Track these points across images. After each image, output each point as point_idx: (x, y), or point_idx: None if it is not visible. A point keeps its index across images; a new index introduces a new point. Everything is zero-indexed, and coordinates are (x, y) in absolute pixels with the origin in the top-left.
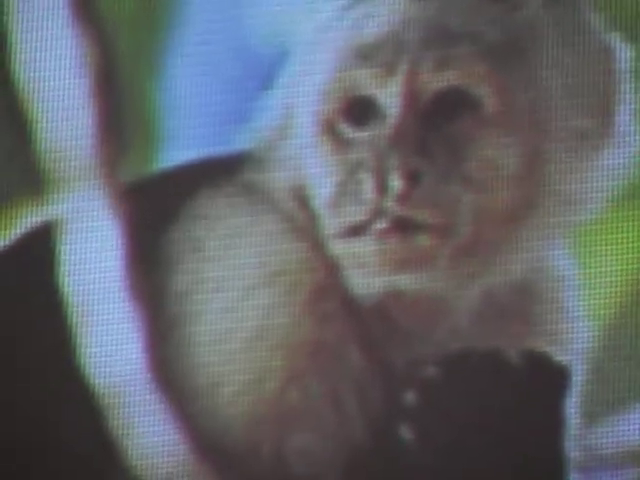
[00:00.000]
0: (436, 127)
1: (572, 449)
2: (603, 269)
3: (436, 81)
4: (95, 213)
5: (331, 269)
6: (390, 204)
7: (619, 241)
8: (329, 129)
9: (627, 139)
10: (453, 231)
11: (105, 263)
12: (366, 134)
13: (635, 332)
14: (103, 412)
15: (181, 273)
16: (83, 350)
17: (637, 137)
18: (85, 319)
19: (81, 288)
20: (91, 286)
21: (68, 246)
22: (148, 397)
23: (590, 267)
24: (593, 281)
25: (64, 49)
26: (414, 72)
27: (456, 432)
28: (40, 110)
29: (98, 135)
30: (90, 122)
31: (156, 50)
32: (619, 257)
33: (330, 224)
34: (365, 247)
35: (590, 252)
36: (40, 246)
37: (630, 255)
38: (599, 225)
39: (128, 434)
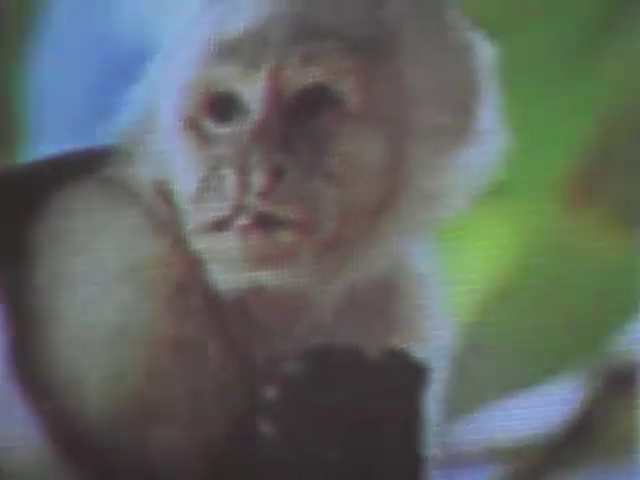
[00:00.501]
0: (300, 123)
1: (432, 446)
2: (463, 267)
3: (300, 77)
4: None
5: (193, 264)
6: (252, 200)
7: (479, 239)
8: (193, 124)
9: (488, 137)
10: (315, 227)
11: None
12: (229, 130)
13: (496, 330)
14: None
15: (42, 267)
16: None
17: (498, 135)
18: None
19: None
20: None
21: None
22: (8, 389)
23: (451, 264)
24: (454, 278)
25: None
26: (278, 68)
27: (316, 428)
28: None
29: None
30: None
31: (20, 43)
32: (478, 255)
33: (193, 219)
34: (227, 243)
35: (451, 249)
36: None
37: (489, 253)
38: (459, 222)
39: None
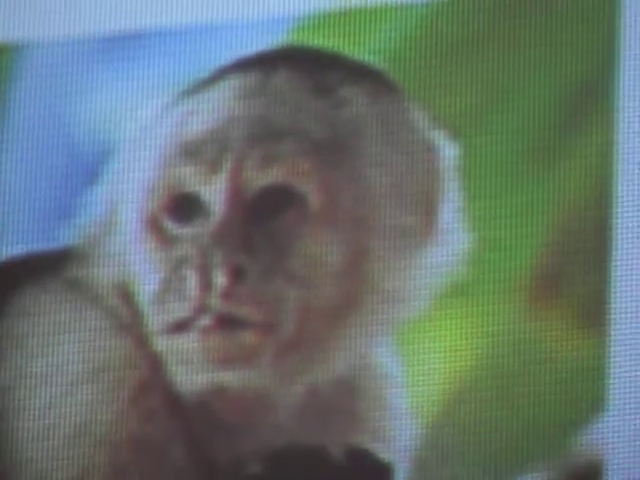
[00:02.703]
0: (261, 223)
1: None
2: (426, 367)
3: (261, 178)
4: None
5: (155, 365)
6: (214, 301)
7: (441, 339)
8: (153, 225)
9: (450, 237)
10: (277, 328)
11: None
12: (190, 230)
13: (457, 430)
14: None
15: (4, 369)
16: None
17: (460, 235)
18: None
19: None
20: None
21: None
22: None
23: (413, 364)
24: (416, 379)
25: None
26: (238, 169)
27: None
28: None
29: None
30: None
31: None
32: (441, 355)
33: (154, 320)
34: (189, 343)
35: (413, 350)
36: None
37: (452, 353)
38: (422, 323)
39: None
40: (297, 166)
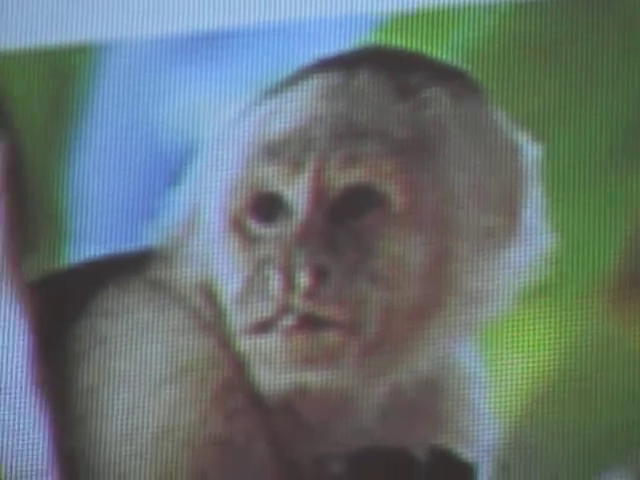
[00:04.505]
0: (344, 224)
1: None
2: (508, 367)
3: (343, 178)
4: (2, 308)
5: (238, 365)
6: (297, 301)
7: (524, 339)
8: (236, 225)
9: (533, 237)
10: (360, 328)
11: (11, 358)
12: (273, 230)
13: (539, 431)
14: None
15: (87, 369)
16: None
17: (543, 235)
18: None
19: None
20: None
21: None
22: None
23: (496, 365)
24: (499, 379)
25: None
26: (321, 169)
27: None
28: None
29: (5, 229)
30: None
31: (65, 145)
32: (524, 355)
33: (237, 320)
34: (272, 344)
35: (496, 350)
36: None
37: (534, 354)
38: (505, 323)
39: None
40: (380, 166)
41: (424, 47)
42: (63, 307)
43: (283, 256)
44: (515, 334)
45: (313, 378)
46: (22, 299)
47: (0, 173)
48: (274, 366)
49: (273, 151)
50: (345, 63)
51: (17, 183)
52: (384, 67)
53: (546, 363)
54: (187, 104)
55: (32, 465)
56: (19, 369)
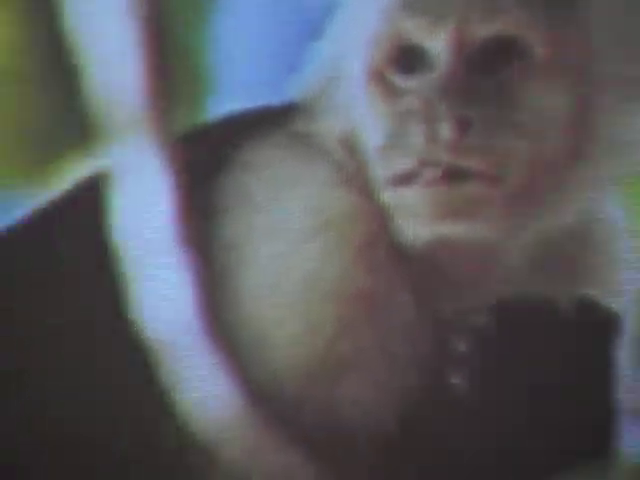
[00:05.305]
0: (486, 76)
1: (623, 396)
2: None
3: (485, 30)
4: (145, 164)
5: (381, 218)
6: (440, 153)
7: None
8: (378, 78)
9: None
10: (504, 180)
11: (155, 214)
12: (415, 83)
13: None
14: (154, 364)
15: (231, 222)
16: (133, 302)
17: None
18: (135, 271)
19: (131, 240)
20: (141, 238)
21: (118, 198)
22: (199, 348)
23: (638, 217)
24: None
25: None
26: (463, 21)
27: (507, 379)
28: (89, 59)
29: (148, 85)
30: (140, 72)
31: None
32: None
33: (380, 173)
34: (415, 196)
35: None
36: (90, 198)
37: None
38: None
39: (179, 385)
40: (522, 18)
41: None
42: (207, 162)
43: (426, 108)
44: None
45: (456, 230)
46: (167, 155)
47: (142, 26)
48: (417, 218)
49: (414, 4)
50: None
51: (160, 36)
52: None
53: None
54: None
55: (177, 326)
56: (163, 226)
